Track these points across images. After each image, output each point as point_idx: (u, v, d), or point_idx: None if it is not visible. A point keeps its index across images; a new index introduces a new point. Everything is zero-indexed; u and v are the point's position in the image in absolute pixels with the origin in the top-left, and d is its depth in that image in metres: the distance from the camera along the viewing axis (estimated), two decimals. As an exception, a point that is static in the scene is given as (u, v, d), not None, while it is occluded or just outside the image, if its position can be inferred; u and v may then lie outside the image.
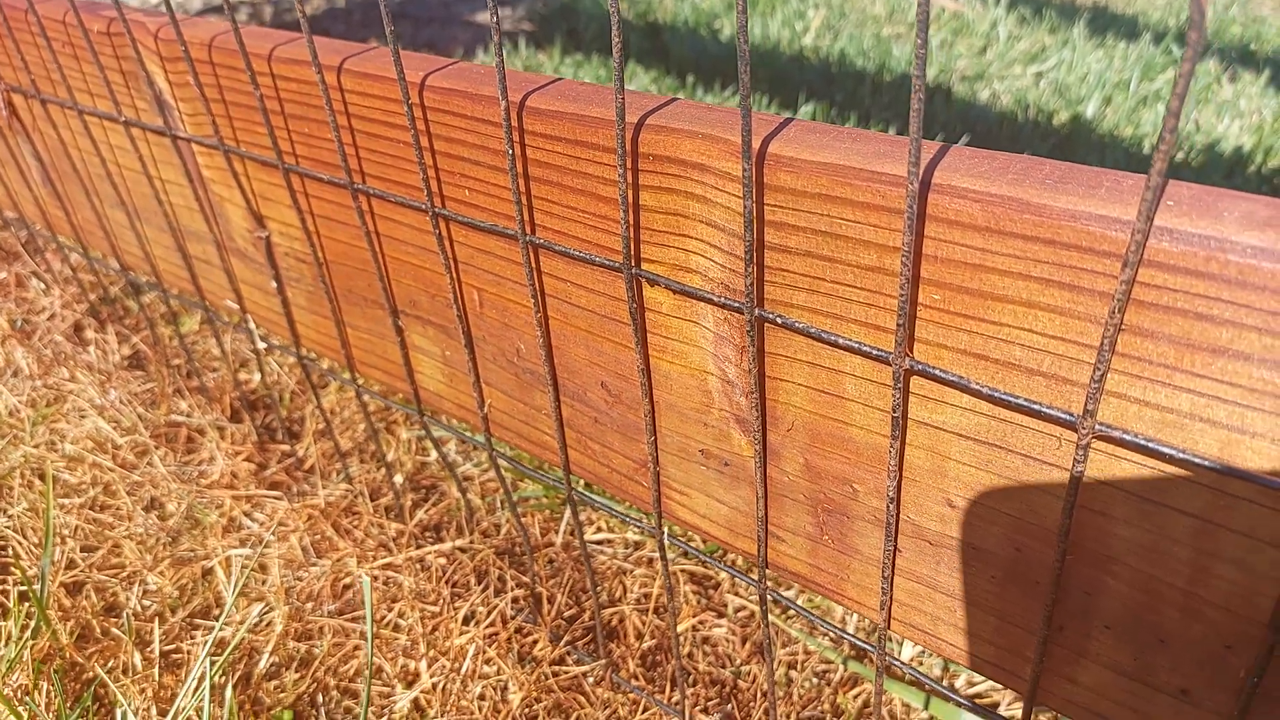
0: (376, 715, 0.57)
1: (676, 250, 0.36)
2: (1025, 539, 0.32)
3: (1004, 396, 0.29)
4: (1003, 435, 0.30)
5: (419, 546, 0.68)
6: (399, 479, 0.76)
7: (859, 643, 0.39)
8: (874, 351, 0.31)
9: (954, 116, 1.53)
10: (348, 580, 0.66)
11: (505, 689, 0.59)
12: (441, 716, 0.57)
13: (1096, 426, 0.27)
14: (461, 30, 2.14)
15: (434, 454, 0.79)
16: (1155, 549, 0.29)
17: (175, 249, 0.70)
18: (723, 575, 0.71)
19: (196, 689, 0.54)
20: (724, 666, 0.62)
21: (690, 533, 0.67)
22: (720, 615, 0.67)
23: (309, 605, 0.64)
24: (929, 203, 0.28)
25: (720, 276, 0.35)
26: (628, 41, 1.88)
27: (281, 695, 0.58)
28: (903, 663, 0.38)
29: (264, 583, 0.66)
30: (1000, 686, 0.55)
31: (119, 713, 0.55)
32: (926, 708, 0.58)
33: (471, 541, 0.68)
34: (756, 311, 0.34)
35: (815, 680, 0.62)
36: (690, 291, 0.36)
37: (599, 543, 0.71)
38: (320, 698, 0.58)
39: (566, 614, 0.64)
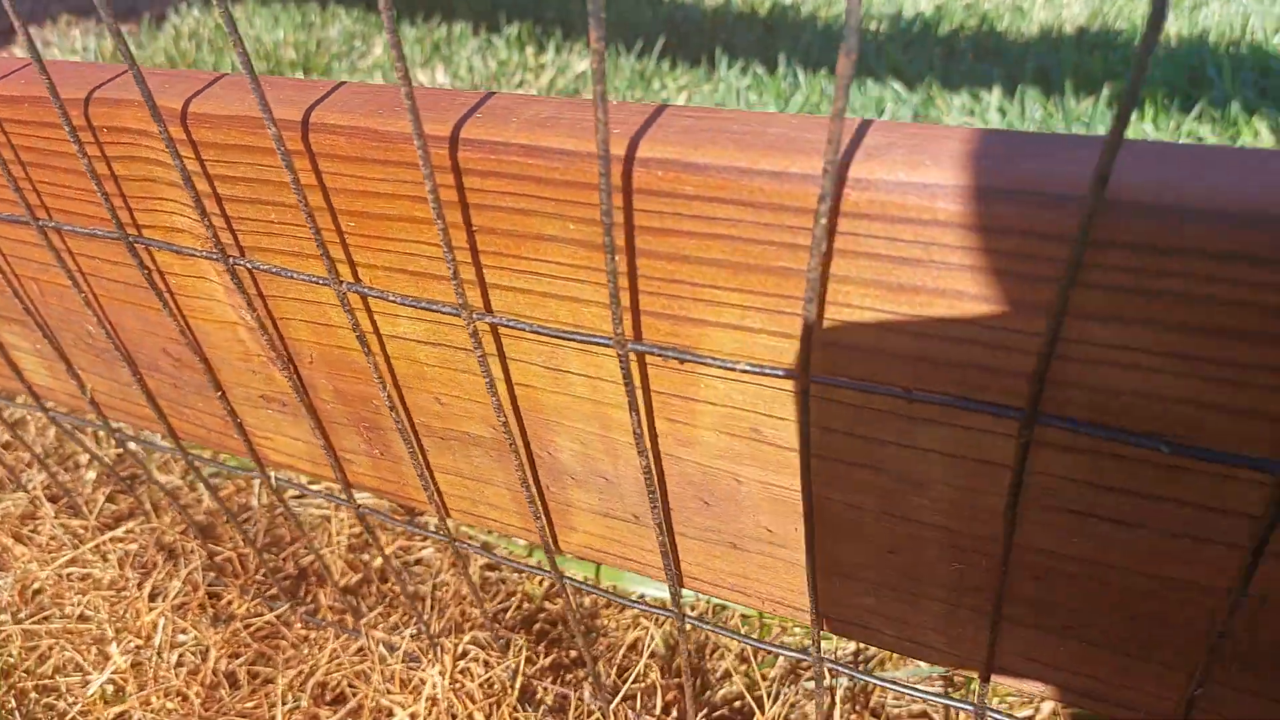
0: (72, 704, 0.58)
1: (161, 214, 0.38)
2: (494, 424, 0.37)
3: (392, 297, 0.33)
4: (440, 335, 0.35)
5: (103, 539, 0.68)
6: (91, 475, 0.75)
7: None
8: (317, 280, 0.35)
9: (660, 18, 1.58)
10: (35, 586, 0.66)
11: (206, 652, 0.61)
12: (140, 690, 0.58)
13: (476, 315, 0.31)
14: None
15: (131, 445, 0.78)
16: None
17: None
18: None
19: None
20: (423, 583, 0.67)
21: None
22: (425, 539, 0.71)
23: (3, 619, 0.64)
24: (309, 139, 0.32)
25: (204, 233, 0.38)
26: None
27: (-31, 710, 0.58)
28: (469, 542, 0.43)
29: (-54, 607, 0.65)
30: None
31: None
32: (597, 575, 0.64)
33: (155, 524, 0.69)
34: (232, 260, 0.37)
35: (516, 577, 0.68)
36: (177, 249, 0.38)
37: (299, 498, 0.73)
38: (16, 702, 0.59)
39: (266, 569, 0.67)
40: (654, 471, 0.33)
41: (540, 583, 0.66)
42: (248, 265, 0.36)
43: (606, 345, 0.29)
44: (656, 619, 0.62)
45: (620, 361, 0.29)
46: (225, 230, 0.37)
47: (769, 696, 0.56)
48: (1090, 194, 0.19)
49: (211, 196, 0.36)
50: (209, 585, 0.65)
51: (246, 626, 0.62)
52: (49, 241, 0.42)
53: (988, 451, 0.27)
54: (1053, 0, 1.50)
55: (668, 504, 0.35)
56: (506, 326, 0.31)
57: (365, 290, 0.34)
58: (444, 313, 0.32)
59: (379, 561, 0.68)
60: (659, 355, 0.29)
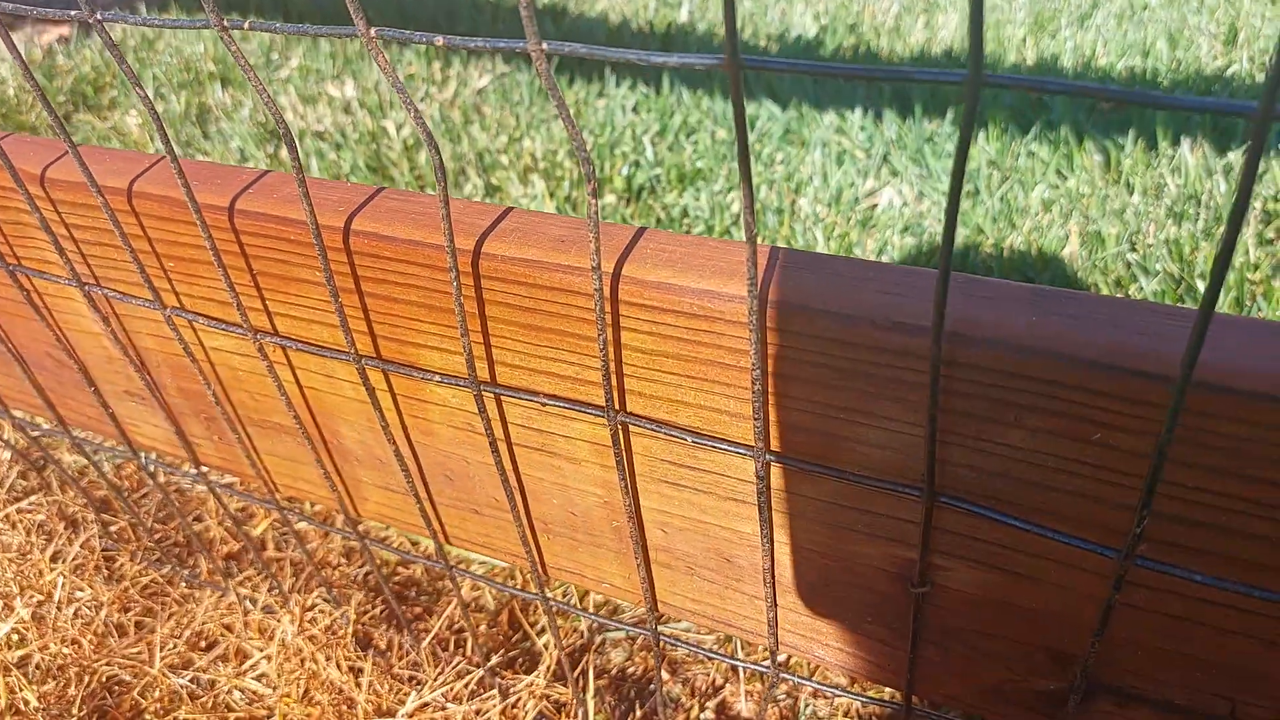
0: (-21, 652, 0.68)
1: (34, 249, 0.48)
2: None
3: (200, 320, 0.43)
4: (246, 349, 0.45)
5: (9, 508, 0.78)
6: (5, 455, 0.85)
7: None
8: (148, 304, 0.45)
9: (561, 32, 1.68)
10: (-49, 551, 0.75)
11: (100, 606, 0.71)
12: (40, 637, 0.68)
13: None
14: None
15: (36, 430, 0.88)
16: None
17: None
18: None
19: None
20: (295, 550, 0.77)
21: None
22: (302, 515, 0.81)
23: (-83, 580, 0.73)
24: (132, 202, 0.42)
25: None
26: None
27: (-112, 656, 0.67)
28: (292, 510, 0.54)
29: None
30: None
31: None
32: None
33: (59, 498, 0.79)
34: (87, 287, 0.47)
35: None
36: (48, 277, 0.48)
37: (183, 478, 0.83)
38: (-71, 651, 0.68)
39: (155, 538, 0.77)
40: (407, 455, 0.44)
41: (399, 547, 0.77)
42: (101, 291, 0.46)
43: (347, 359, 0.40)
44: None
45: (359, 372, 0.40)
46: (81, 263, 0.47)
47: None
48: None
49: (69, 239, 0.46)
50: (104, 551, 0.75)
51: (135, 585, 0.72)
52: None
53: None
54: (931, 22, 1.62)
55: (425, 480, 0.46)
56: (284, 345, 0.42)
57: (182, 313, 0.44)
58: (237, 333, 0.43)
59: (258, 531, 0.78)
60: (387, 370, 0.40)
